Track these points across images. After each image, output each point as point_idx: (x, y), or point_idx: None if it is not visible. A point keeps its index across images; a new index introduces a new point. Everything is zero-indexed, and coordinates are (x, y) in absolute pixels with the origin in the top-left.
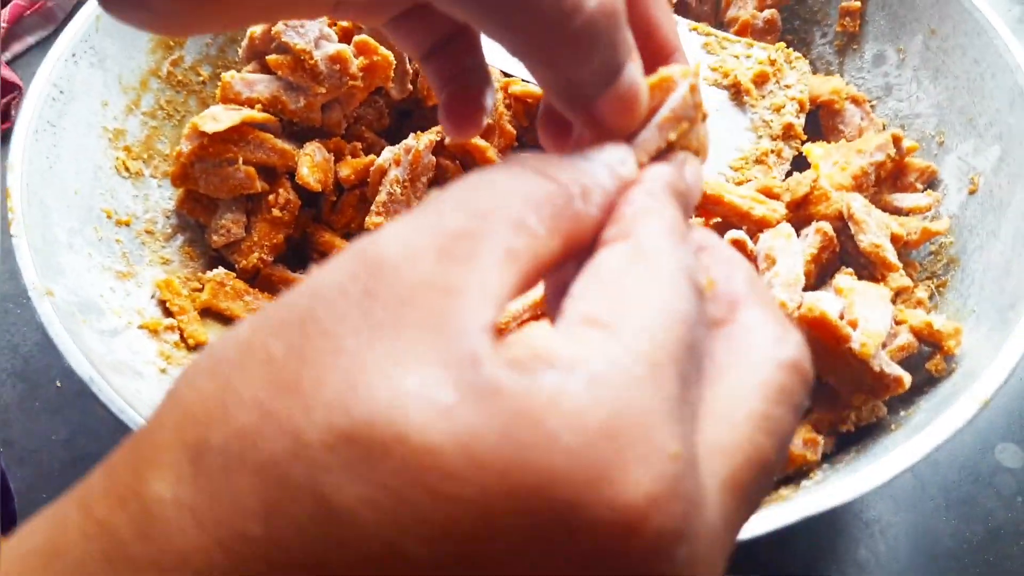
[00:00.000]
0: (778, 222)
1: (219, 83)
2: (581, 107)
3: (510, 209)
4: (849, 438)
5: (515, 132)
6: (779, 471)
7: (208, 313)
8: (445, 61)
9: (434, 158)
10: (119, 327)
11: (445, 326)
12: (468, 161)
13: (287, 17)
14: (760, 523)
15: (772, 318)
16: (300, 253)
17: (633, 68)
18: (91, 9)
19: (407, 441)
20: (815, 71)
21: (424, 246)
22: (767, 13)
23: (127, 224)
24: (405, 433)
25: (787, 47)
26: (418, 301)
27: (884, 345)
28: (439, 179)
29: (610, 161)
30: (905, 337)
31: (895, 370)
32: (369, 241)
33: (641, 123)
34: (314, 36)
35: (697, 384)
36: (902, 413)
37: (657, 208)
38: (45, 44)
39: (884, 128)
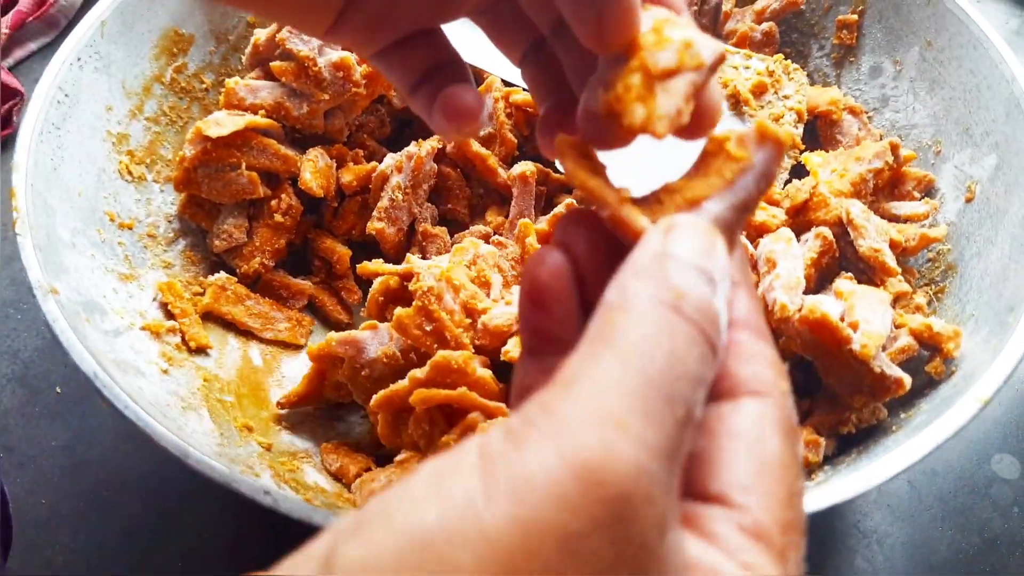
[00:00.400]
0: (778, 227)
1: (222, 90)
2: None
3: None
4: (850, 440)
5: (516, 141)
6: None
7: (209, 317)
8: (432, 92)
9: (435, 165)
10: (121, 327)
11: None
12: (469, 169)
13: (284, 20)
14: None
15: None
16: (301, 258)
17: None
18: (96, 15)
19: None
20: (813, 83)
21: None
22: (765, 26)
23: (130, 227)
24: None
25: (785, 59)
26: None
27: (884, 347)
28: (440, 186)
29: (723, 284)
30: (905, 340)
31: (895, 372)
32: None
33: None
34: (318, 43)
35: None
36: (902, 415)
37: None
38: (47, 50)
39: (881, 138)
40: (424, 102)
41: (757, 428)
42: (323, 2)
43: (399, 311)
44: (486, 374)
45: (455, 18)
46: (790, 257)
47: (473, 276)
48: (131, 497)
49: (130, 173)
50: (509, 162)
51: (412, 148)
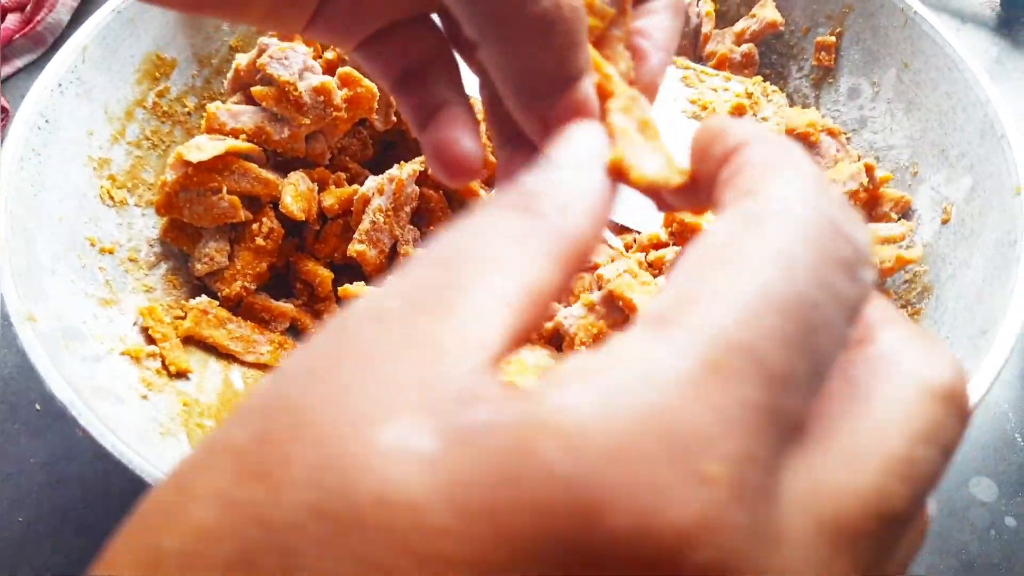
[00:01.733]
0: None
1: (204, 114)
2: (535, 107)
3: (485, 249)
4: None
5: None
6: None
7: (191, 341)
8: (420, 92)
9: (417, 188)
10: (101, 353)
11: (425, 376)
12: (451, 191)
13: (259, 23)
14: None
15: (919, 336)
16: (283, 282)
17: (588, 83)
18: (79, 39)
19: (385, 502)
20: (792, 104)
21: (393, 305)
22: (744, 48)
23: (111, 252)
24: (381, 494)
25: (764, 81)
26: (391, 357)
27: None
28: (422, 209)
29: (579, 158)
30: None
31: None
32: (339, 313)
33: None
34: (298, 68)
35: (810, 397)
36: None
37: (789, 160)
38: (33, 68)
39: (859, 159)
40: (412, 105)
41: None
42: (294, 6)
43: None
44: None
45: (434, 9)
46: None
47: None
48: (110, 515)
49: (112, 198)
50: (491, 184)
51: (394, 171)
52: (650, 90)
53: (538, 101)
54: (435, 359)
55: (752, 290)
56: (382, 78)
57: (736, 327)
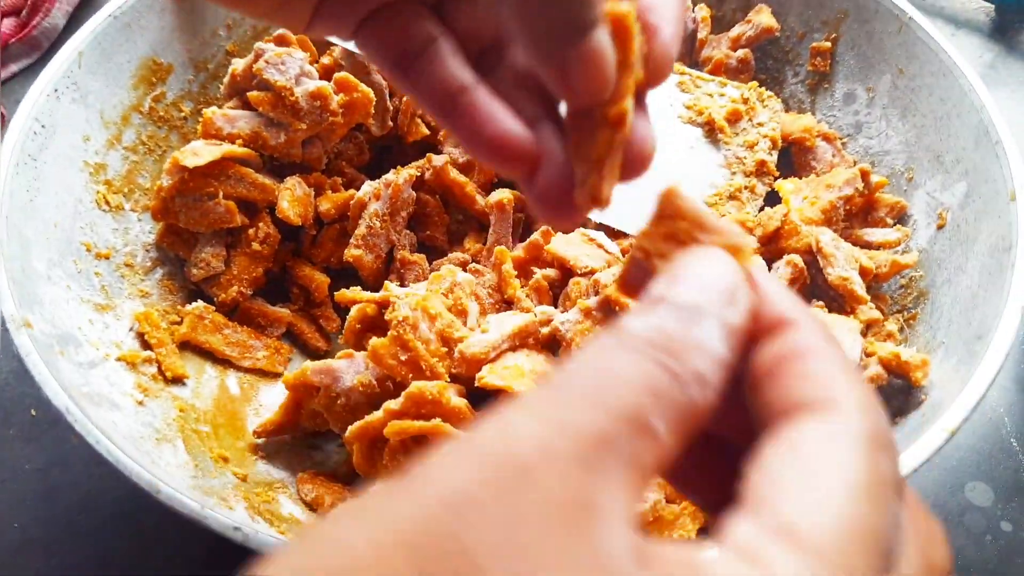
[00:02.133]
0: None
1: (200, 119)
2: (555, 55)
3: (637, 409)
4: None
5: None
6: None
7: (187, 346)
8: (428, 76)
9: (414, 193)
10: (96, 359)
11: (596, 552)
12: (447, 196)
13: (263, 16)
14: None
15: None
16: (279, 287)
17: (603, 33)
18: (74, 45)
19: None
20: (787, 109)
21: (565, 453)
22: (740, 53)
23: (106, 257)
24: None
25: (760, 86)
26: (564, 519)
27: None
28: (419, 213)
29: (721, 314)
30: (874, 368)
31: None
32: (497, 437)
33: None
34: (295, 73)
35: None
36: None
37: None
38: (29, 72)
39: (855, 164)
40: (423, 92)
41: (818, 447)
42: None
43: (374, 341)
44: (461, 403)
45: None
46: None
47: (450, 304)
48: (105, 521)
49: (107, 203)
50: (487, 189)
51: (390, 175)
52: (664, 63)
53: (556, 50)
54: (604, 532)
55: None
56: (383, 63)
57: (856, 555)
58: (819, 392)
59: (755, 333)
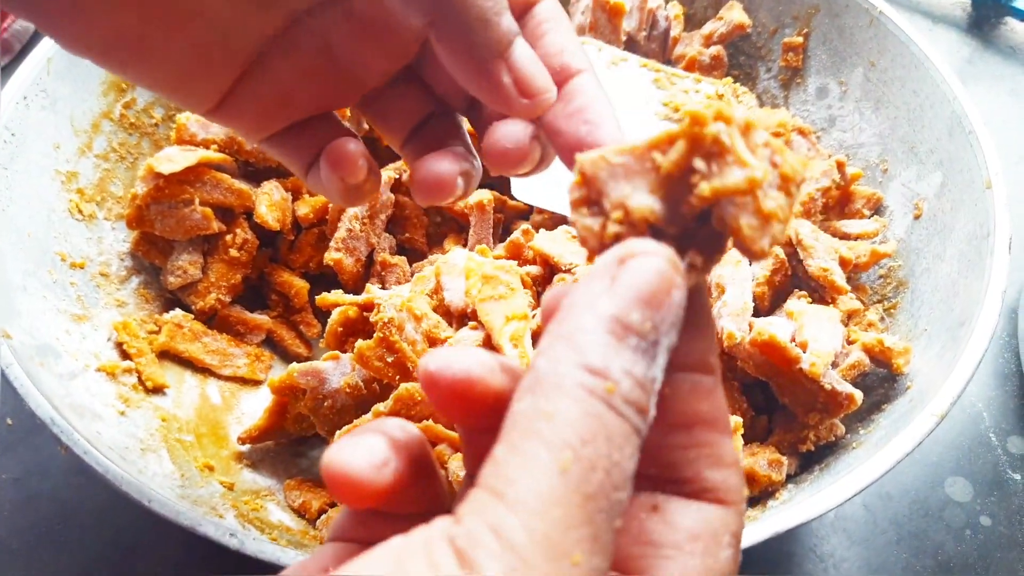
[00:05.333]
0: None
1: (172, 125)
2: (485, 72)
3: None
4: (812, 458)
5: None
6: None
7: (166, 355)
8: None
9: (392, 195)
10: (76, 370)
11: None
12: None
13: (163, 92)
14: None
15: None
16: (257, 293)
17: (522, 43)
18: (43, 52)
19: None
20: (761, 104)
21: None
22: (713, 50)
23: (81, 267)
24: None
25: (734, 82)
26: None
27: (836, 364)
28: (397, 216)
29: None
30: (857, 355)
31: (846, 388)
32: None
33: None
34: None
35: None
36: (862, 432)
37: (574, 330)
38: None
39: (830, 157)
40: (318, 181)
41: (717, 537)
42: (205, 80)
43: (360, 343)
44: None
45: (347, 105)
46: (738, 282)
47: (435, 305)
48: (84, 531)
49: (80, 211)
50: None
51: None
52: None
53: (486, 65)
54: None
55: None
56: (291, 165)
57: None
58: (717, 481)
59: (683, 363)
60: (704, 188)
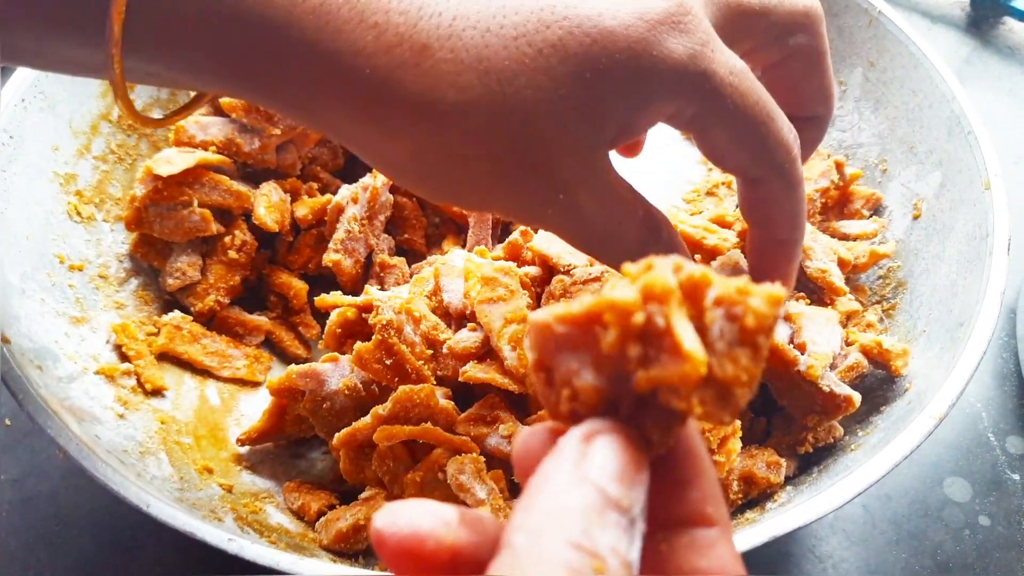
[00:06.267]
0: (729, 250)
1: (170, 127)
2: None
3: None
4: (811, 460)
5: None
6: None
7: (165, 357)
8: None
9: (391, 196)
10: (75, 373)
11: None
12: (425, 200)
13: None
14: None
15: None
16: (256, 295)
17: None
18: None
19: None
20: None
21: None
22: None
23: (80, 269)
24: None
25: None
26: None
27: (834, 366)
28: (396, 217)
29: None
30: (855, 357)
31: (844, 390)
32: None
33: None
34: None
35: None
36: (860, 433)
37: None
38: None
39: (829, 158)
40: None
41: None
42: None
43: (359, 346)
44: (448, 405)
45: None
46: (823, 332)
47: (433, 306)
48: (82, 532)
49: (79, 213)
50: None
51: (367, 179)
52: None
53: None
54: None
55: None
56: None
57: None
58: None
59: (678, 517)
60: (640, 378)
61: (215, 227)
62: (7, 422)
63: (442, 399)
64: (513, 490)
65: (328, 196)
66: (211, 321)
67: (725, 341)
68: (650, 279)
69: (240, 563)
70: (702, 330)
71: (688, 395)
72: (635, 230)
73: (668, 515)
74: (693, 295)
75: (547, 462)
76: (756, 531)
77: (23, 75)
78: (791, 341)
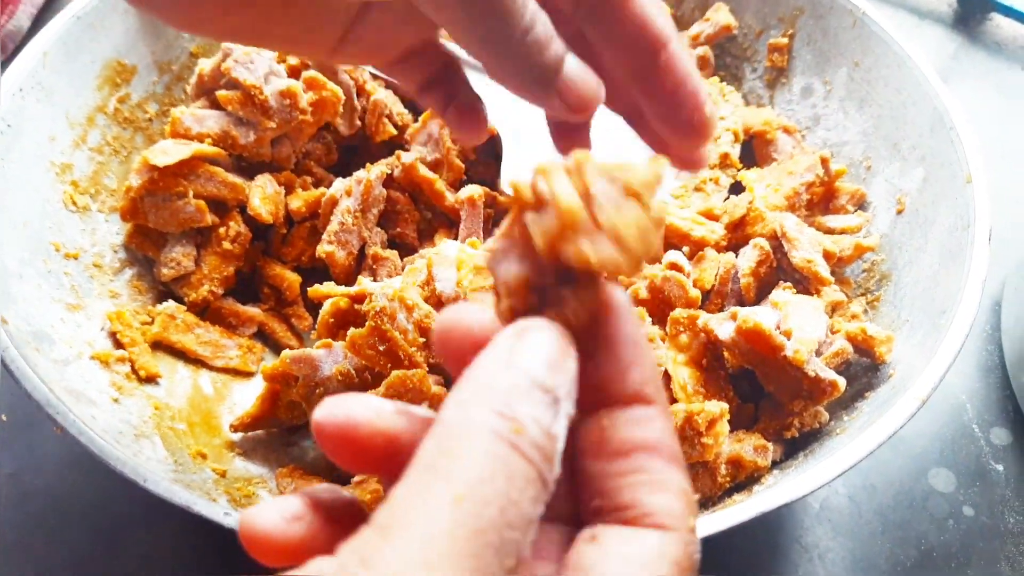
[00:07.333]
0: (716, 242)
1: (166, 120)
2: (546, 91)
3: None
4: (797, 445)
5: (463, 166)
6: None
7: (159, 346)
8: (439, 93)
9: (384, 190)
10: (70, 357)
11: None
12: (417, 193)
13: (282, 48)
14: (716, 522)
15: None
16: (249, 286)
17: (573, 58)
18: (39, 45)
19: None
20: (747, 104)
21: None
22: (699, 51)
23: (75, 257)
24: None
25: (720, 82)
26: None
27: (819, 352)
28: (389, 211)
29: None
30: (840, 343)
31: (830, 375)
32: None
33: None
34: (264, 72)
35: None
36: (845, 418)
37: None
38: None
39: (815, 154)
40: (434, 101)
41: (655, 563)
42: (314, 45)
43: (352, 331)
44: (441, 391)
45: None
46: (807, 318)
47: (426, 295)
48: (78, 525)
49: (74, 203)
50: (456, 186)
51: (361, 173)
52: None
53: (546, 85)
54: None
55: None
56: (408, 87)
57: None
58: (657, 506)
59: (619, 396)
60: (537, 240)
61: (210, 218)
62: (3, 417)
63: (434, 384)
64: None
65: (322, 190)
66: (205, 311)
67: (609, 197)
68: (542, 165)
69: (233, 555)
70: (587, 196)
71: (576, 243)
72: None
73: (609, 396)
74: (579, 171)
75: (483, 353)
76: (743, 509)
77: (21, 64)
78: (778, 327)
